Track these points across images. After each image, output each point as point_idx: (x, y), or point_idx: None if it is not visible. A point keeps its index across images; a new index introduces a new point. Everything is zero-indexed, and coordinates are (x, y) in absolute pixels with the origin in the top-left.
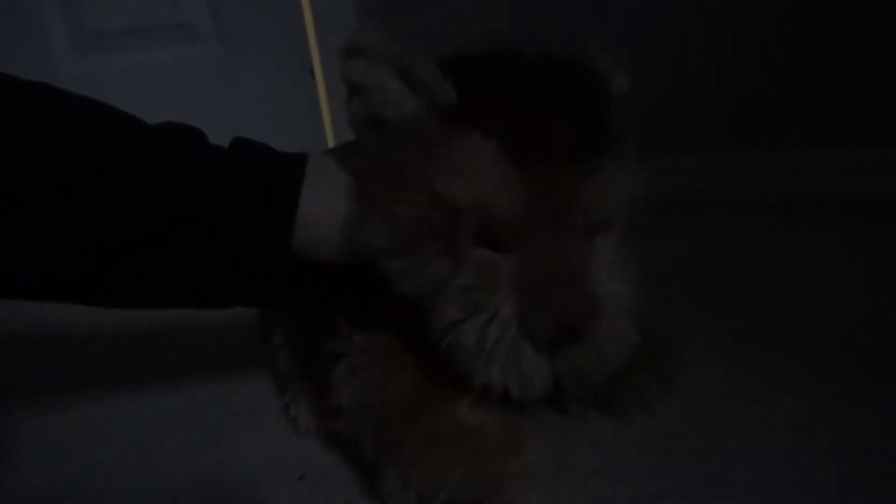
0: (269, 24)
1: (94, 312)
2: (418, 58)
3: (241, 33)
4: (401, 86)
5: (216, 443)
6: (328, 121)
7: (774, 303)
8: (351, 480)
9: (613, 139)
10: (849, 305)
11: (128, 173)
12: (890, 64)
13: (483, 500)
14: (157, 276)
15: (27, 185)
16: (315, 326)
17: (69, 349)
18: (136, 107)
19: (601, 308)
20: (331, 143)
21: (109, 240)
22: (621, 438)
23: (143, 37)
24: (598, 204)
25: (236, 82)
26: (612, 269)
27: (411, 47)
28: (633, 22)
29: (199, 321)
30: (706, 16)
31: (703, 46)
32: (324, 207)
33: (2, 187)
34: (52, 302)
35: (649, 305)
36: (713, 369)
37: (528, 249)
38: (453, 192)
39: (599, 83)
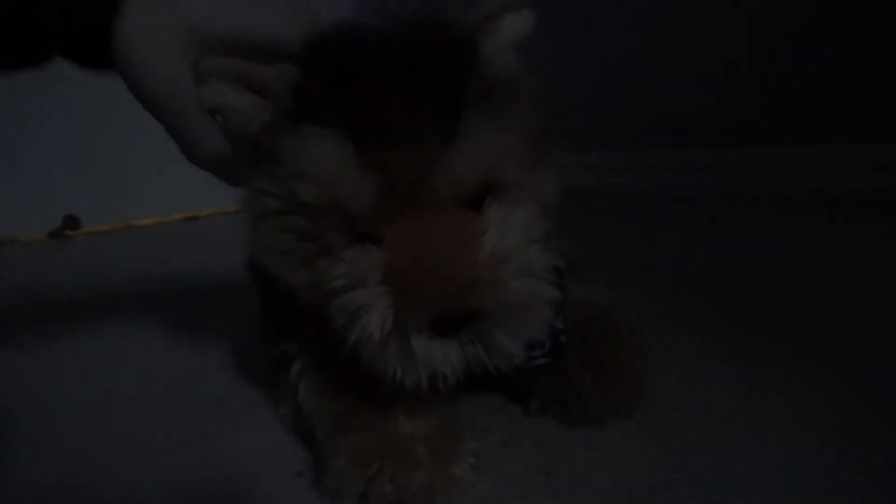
0: None
1: (91, 309)
2: (255, 67)
3: None
4: (252, 98)
5: (214, 439)
6: None
7: (771, 298)
8: None
9: (479, 100)
10: (846, 301)
11: None
12: (890, 61)
13: None
14: None
15: None
16: (274, 330)
17: (65, 346)
18: (134, 103)
19: (487, 280)
20: None
21: None
22: (616, 434)
23: None
24: (464, 174)
25: None
26: (503, 231)
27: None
28: (634, 22)
29: (195, 317)
30: (705, 16)
31: (703, 46)
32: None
33: None
34: None
35: (623, 306)
36: (709, 364)
37: (394, 236)
38: (308, 195)
39: (454, 46)
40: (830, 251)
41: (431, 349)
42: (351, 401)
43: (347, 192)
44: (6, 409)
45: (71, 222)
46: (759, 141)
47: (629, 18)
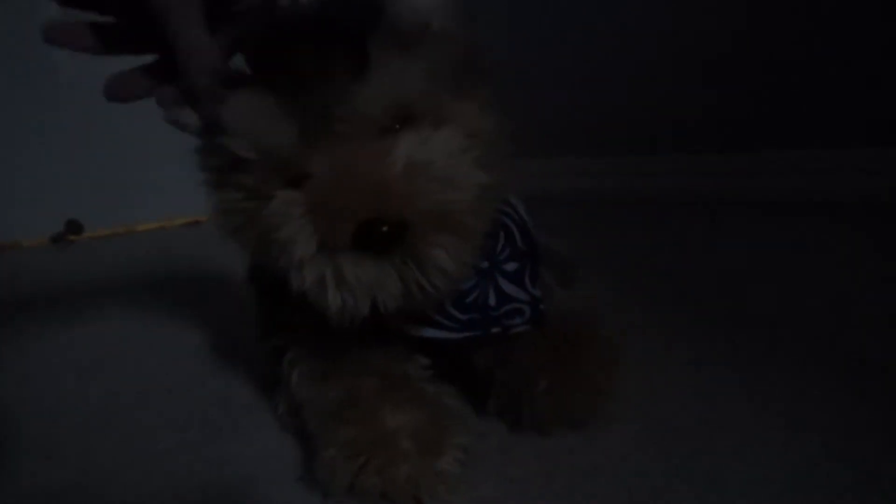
0: None
1: (93, 313)
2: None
3: None
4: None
5: (214, 442)
6: None
7: (771, 302)
8: None
9: (385, 43)
10: (846, 304)
11: None
12: (890, 65)
13: (397, 501)
14: None
15: None
16: (269, 325)
17: (66, 349)
18: (135, 108)
19: (400, 188)
20: None
21: None
22: (617, 437)
23: None
24: (373, 105)
25: None
26: (418, 149)
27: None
28: (633, 25)
29: (197, 321)
30: (704, 19)
31: (703, 50)
32: None
33: None
34: None
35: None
36: (708, 368)
37: (316, 170)
38: (242, 149)
39: (360, 2)
40: (830, 255)
41: (363, 271)
42: (342, 391)
43: (271, 136)
44: (8, 413)
45: (73, 227)
46: (759, 144)
47: (627, 24)
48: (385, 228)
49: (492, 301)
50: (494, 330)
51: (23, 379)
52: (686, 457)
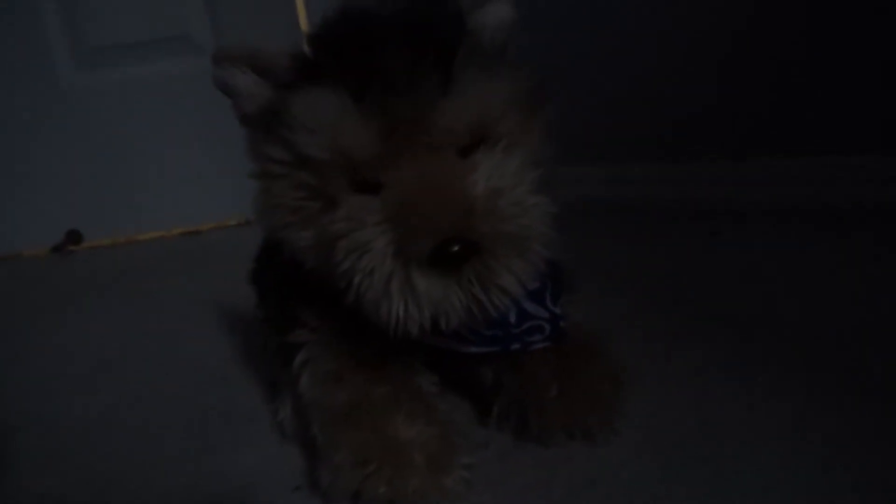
0: (266, 37)
1: (93, 322)
2: (258, 48)
3: None
4: (253, 78)
5: (213, 452)
6: None
7: (771, 310)
8: None
9: (470, 60)
10: (845, 312)
11: None
12: (887, 71)
13: None
14: None
15: None
16: (281, 322)
17: (67, 359)
18: (136, 118)
19: (482, 209)
20: None
21: None
22: (617, 445)
23: (143, 50)
24: (457, 121)
25: None
26: (496, 173)
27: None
28: (632, 30)
29: (196, 330)
30: (704, 26)
31: (701, 56)
32: None
33: None
34: None
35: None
36: (709, 376)
37: (393, 179)
38: (311, 148)
39: (445, 17)
40: (831, 263)
41: (433, 285)
42: (353, 394)
43: (349, 138)
44: (8, 423)
45: (74, 237)
46: (759, 152)
47: (626, 29)
48: (462, 247)
49: (512, 318)
50: (514, 346)
51: (23, 387)
52: (686, 463)
